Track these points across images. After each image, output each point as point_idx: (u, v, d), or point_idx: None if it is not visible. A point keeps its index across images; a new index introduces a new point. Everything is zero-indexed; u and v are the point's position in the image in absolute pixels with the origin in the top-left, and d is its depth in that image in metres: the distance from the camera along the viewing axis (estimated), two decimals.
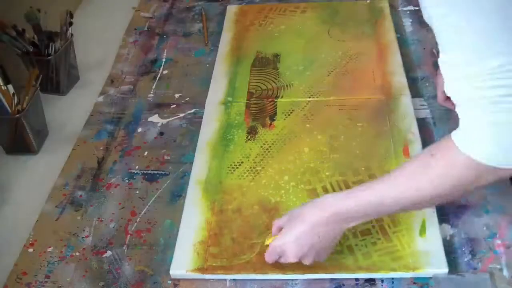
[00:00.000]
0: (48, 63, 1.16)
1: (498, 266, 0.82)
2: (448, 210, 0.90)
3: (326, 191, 0.93)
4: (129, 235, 0.91)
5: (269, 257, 0.80)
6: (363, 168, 0.96)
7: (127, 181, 1.00)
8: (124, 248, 0.89)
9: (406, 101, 1.06)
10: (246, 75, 1.17)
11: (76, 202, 0.97)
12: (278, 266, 0.82)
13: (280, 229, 0.80)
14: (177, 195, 0.96)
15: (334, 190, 0.93)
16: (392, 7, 1.33)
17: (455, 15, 0.63)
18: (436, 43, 0.67)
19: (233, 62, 1.21)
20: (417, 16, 1.30)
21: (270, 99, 1.11)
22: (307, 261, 0.79)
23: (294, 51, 1.23)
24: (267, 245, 0.80)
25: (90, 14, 1.43)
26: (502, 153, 0.66)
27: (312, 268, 0.82)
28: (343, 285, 0.82)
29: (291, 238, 0.78)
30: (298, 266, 0.81)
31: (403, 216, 0.87)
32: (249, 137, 1.04)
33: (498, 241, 0.85)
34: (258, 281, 0.83)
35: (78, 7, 1.45)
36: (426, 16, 0.67)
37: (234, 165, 0.99)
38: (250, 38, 1.27)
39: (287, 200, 0.92)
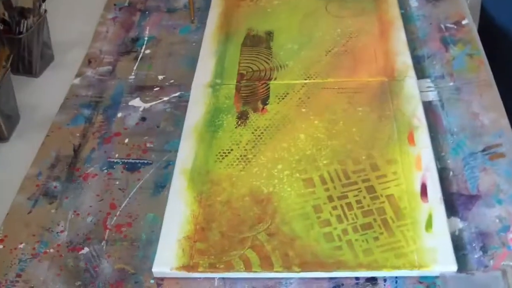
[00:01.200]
0: (19, 42, 1.15)
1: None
2: (457, 202, 0.90)
3: (323, 180, 0.92)
4: (108, 230, 0.90)
5: None
6: (364, 157, 0.95)
7: (106, 170, 0.99)
8: (102, 244, 0.89)
9: (411, 83, 1.06)
10: (236, 55, 1.17)
11: (50, 193, 0.96)
12: (271, 263, 0.82)
13: None
14: (161, 186, 0.96)
15: (332, 180, 0.92)
16: None
17: None
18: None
19: (221, 40, 1.20)
20: None
21: (262, 81, 1.11)
22: None
23: (288, 29, 1.22)
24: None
25: None
26: None
27: (308, 266, 0.82)
28: (342, 284, 0.81)
29: None
30: (293, 264, 0.82)
31: (408, 209, 0.87)
32: (239, 122, 1.03)
33: None
34: (249, 280, 0.83)
35: None
36: None
37: (223, 153, 0.98)
38: (241, 15, 1.26)
39: (280, 191, 0.92)
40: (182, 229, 0.87)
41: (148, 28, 1.28)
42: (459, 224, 0.87)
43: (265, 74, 1.12)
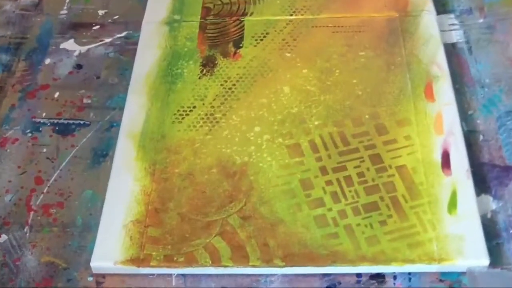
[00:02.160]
0: None
1: None
2: (489, 175, 0.89)
3: (314, 147, 0.91)
4: (32, 212, 0.89)
5: None
6: (367, 116, 0.94)
7: (29, 134, 0.98)
8: (25, 230, 0.87)
9: (429, 19, 1.06)
10: None
11: None
12: (246, 255, 0.81)
13: None
14: (102, 154, 0.95)
15: (326, 146, 0.91)
16: None
17: None
18: None
19: None
20: None
21: (234, 18, 1.10)
22: None
23: None
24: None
25: None
26: None
27: (294, 259, 0.80)
28: (340, 283, 0.80)
29: None
30: (275, 256, 0.80)
31: (425, 184, 0.86)
32: (204, 71, 1.02)
33: None
34: (218, 277, 0.81)
35: None
36: None
37: (183, 111, 0.97)
38: None
39: (258, 161, 0.91)
40: (129, 211, 0.86)
41: None
42: (491, 204, 0.86)
43: (238, 8, 1.11)
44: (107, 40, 1.10)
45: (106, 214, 0.86)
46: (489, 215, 0.85)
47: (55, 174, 0.93)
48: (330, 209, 0.84)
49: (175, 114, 0.97)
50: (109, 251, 0.82)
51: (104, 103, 1.01)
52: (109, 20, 1.13)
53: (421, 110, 0.94)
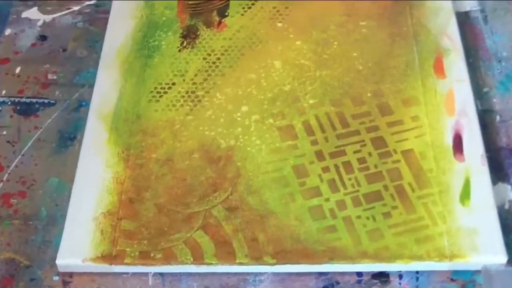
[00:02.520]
0: None
1: None
2: (507, 161, 0.88)
3: (309, 129, 0.91)
4: None
5: None
6: (369, 94, 0.94)
7: None
8: None
9: None
10: None
11: None
12: (232, 252, 0.80)
13: None
14: (69, 137, 0.94)
15: (322, 128, 0.91)
16: None
17: None
18: None
19: None
20: None
21: None
22: None
23: None
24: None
25: None
26: None
27: (287, 256, 0.80)
28: (338, 282, 0.79)
29: None
30: (264, 253, 0.79)
31: (434, 171, 0.85)
32: (185, 43, 1.02)
33: None
34: (200, 276, 0.81)
35: None
36: None
37: (161, 88, 0.96)
38: None
39: (246, 144, 0.90)
40: (100, 202, 0.85)
41: None
42: (510, 193, 0.85)
43: None
44: (75, 8, 1.09)
45: (73, 205, 0.85)
46: (506, 206, 0.84)
47: (16, 160, 0.92)
48: (327, 199, 0.84)
49: (151, 91, 0.96)
50: (77, 247, 0.81)
51: (72, 79, 1.01)
52: None
53: (430, 88, 0.93)
